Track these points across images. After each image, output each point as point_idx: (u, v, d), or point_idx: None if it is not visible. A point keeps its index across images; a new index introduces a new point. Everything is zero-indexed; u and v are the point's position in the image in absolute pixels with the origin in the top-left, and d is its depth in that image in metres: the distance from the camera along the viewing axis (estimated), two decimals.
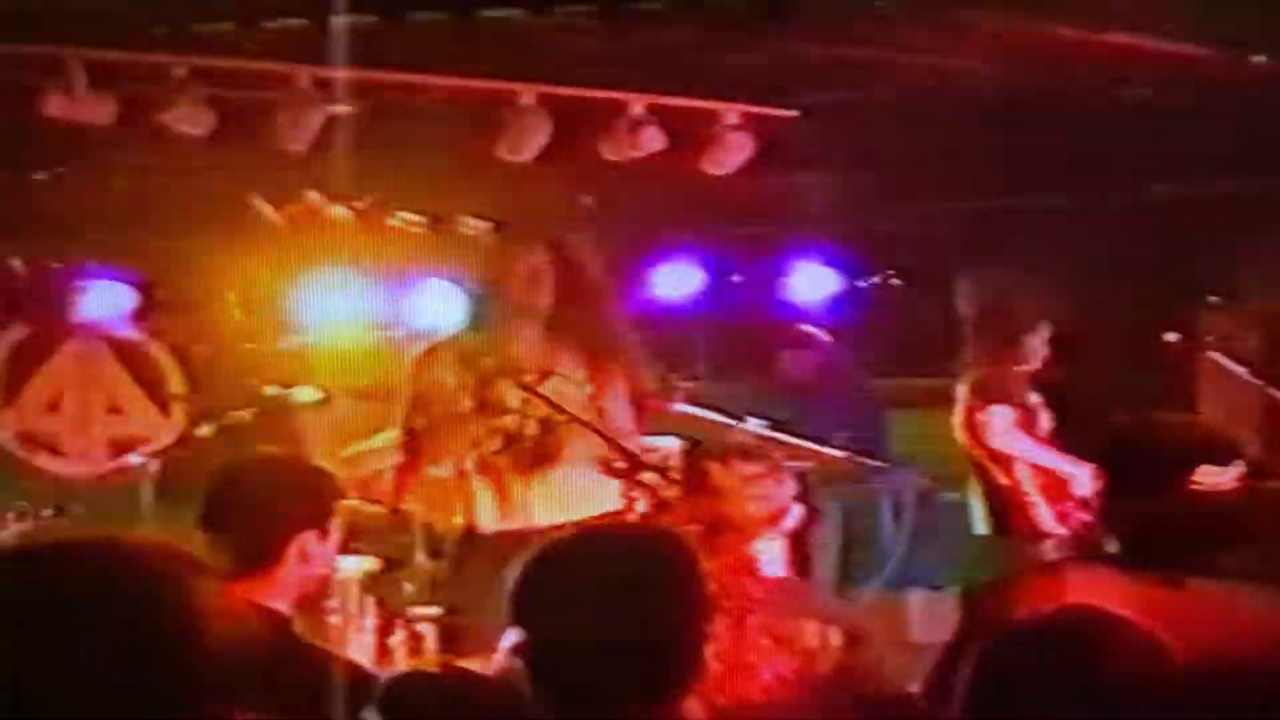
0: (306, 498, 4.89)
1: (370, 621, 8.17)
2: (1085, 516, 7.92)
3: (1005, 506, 9.15)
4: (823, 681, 6.23)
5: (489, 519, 8.07)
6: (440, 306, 9.34)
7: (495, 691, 3.79)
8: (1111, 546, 4.60)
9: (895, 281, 11.03)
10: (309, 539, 4.78)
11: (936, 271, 10.83)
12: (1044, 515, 8.94)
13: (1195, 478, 4.43)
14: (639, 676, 3.53)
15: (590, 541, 3.93)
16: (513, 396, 8.09)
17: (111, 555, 2.59)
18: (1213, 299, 9.94)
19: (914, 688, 6.04)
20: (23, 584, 2.50)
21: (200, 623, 2.56)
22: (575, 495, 8.14)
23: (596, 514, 7.99)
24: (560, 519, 7.95)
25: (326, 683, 4.20)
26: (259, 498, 4.81)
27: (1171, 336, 9.39)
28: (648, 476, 8.13)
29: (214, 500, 4.91)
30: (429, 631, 8.04)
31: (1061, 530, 8.92)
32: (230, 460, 5.13)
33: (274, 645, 4.56)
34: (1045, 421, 9.38)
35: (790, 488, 7.73)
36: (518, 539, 7.85)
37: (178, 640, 2.51)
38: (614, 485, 8.03)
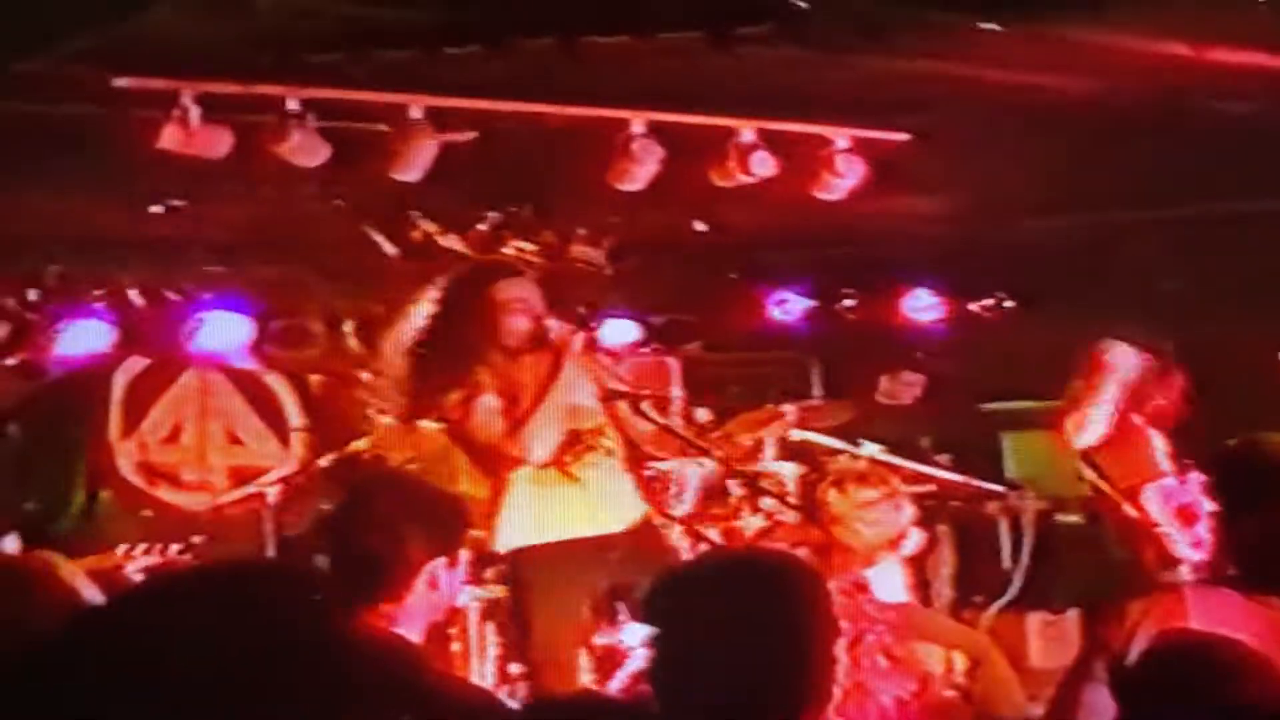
0: (436, 525, 4.87)
1: (492, 649, 8.18)
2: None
3: (1132, 534, 9.05)
4: (945, 705, 6.21)
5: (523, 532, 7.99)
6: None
7: (629, 713, 3.80)
8: (1232, 569, 4.57)
9: (1008, 303, 11.01)
10: (438, 566, 4.78)
11: (1048, 291, 10.79)
12: (1176, 541, 8.84)
13: None
14: (766, 700, 3.53)
15: (721, 565, 3.94)
16: (634, 418, 8.04)
17: (261, 581, 2.60)
18: None
19: (1035, 711, 6.01)
20: (177, 612, 2.51)
21: (351, 651, 2.56)
22: (625, 506, 8.08)
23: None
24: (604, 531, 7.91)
25: (458, 712, 4.21)
26: (388, 524, 4.80)
27: None
28: (765, 502, 8.13)
29: (341, 526, 4.91)
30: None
31: (1196, 555, 8.81)
32: (358, 485, 5.12)
33: (406, 675, 4.56)
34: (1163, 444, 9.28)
35: (908, 512, 7.72)
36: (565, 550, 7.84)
37: (331, 669, 2.52)
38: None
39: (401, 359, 8.02)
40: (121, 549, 8.40)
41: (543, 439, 7.75)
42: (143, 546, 8.50)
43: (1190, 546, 8.84)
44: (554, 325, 7.87)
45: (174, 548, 8.49)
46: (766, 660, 3.53)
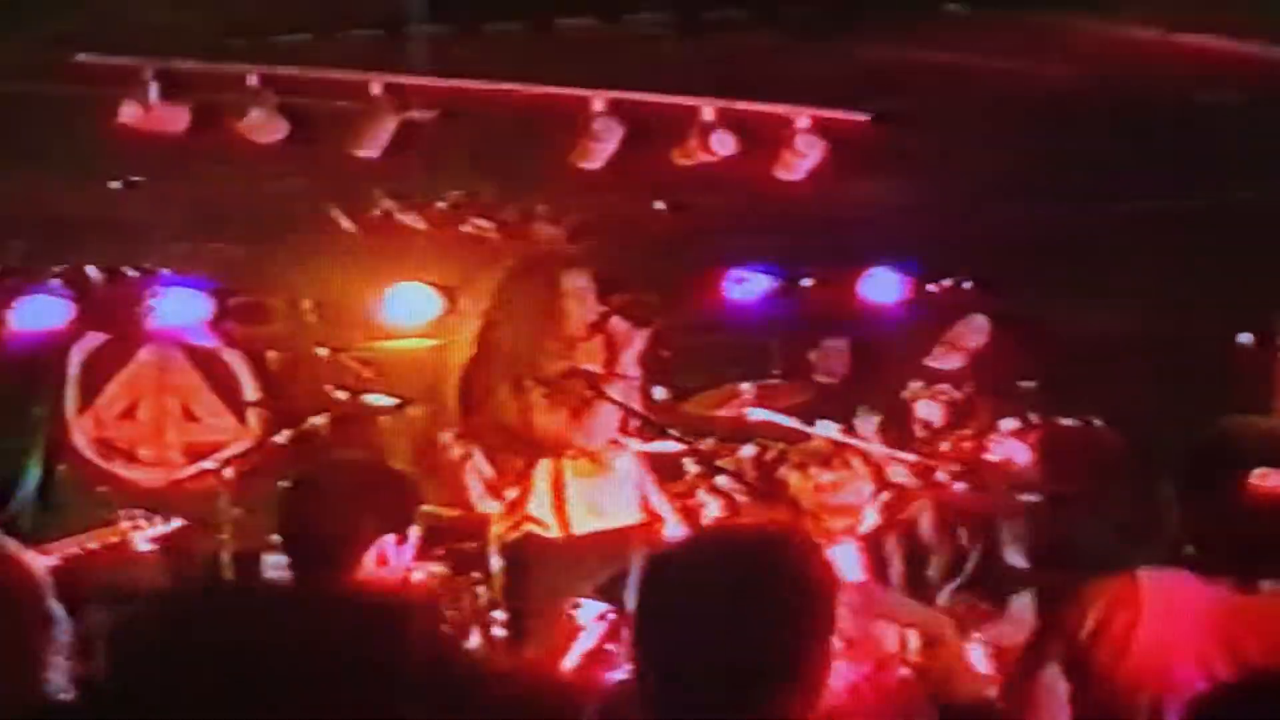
0: (385, 502, 4.89)
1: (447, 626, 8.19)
2: None
3: None
4: (901, 684, 6.23)
5: (559, 522, 8.10)
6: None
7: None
8: (1187, 550, 4.59)
9: (967, 285, 11.03)
10: (387, 543, 4.79)
11: (1009, 276, 10.81)
12: None
13: (1255, 479, 4.41)
14: (762, 683, 3.47)
15: (719, 541, 3.87)
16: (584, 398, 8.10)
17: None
18: None
19: (991, 691, 6.03)
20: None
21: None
22: (631, 500, 8.18)
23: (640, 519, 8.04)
24: (618, 522, 8.01)
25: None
26: (337, 501, 4.82)
27: (1245, 339, 9.35)
28: (721, 481, 8.15)
29: (292, 504, 4.92)
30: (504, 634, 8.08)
31: None
32: (309, 464, 5.13)
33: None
34: None
35: (866, 493, 7.74)
36: (584, 543, 7.93)
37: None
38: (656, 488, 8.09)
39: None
40: (126, 521, 8.34)
41: (603, 426, 7.89)
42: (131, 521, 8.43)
43: None
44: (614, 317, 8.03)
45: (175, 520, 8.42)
46: (764, 641, 3.46)
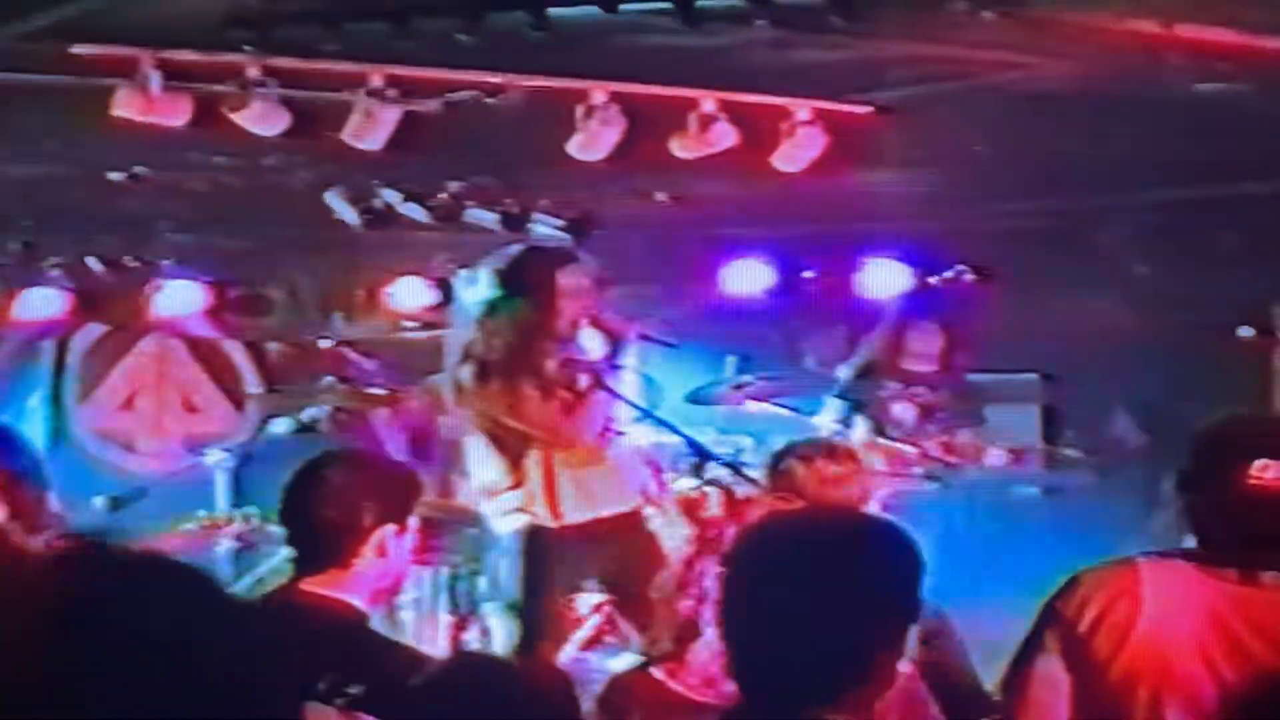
0: (386, 493, 4.90)
1: (444, 617, 8.21)
2: None
3: None
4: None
5: (550, 512, 8.09)
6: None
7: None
8: (1188, 542, 4.58)
9: (969, 278, 11.02)
10: (387, 534, 4.79)
11: (1010, 268, 10.81)
12: None
13: (1255, 472, 4.41)
14: (839, 668, 3.44)
15: (821, 522, 3.83)
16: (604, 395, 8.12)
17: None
18: None
19: (990, 683, 6.02)
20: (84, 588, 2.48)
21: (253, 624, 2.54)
22: (627, 491, 8.19)
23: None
24: (614, 513, 8.03)
25: (401, 678, 4.21)
26: (339, 492, 4.82)
27: (1246, 332, 9.34)
28: (720, 473, 8.15)
29: (294, 494, 4.92)
30: (500, 627, 8.08)
31: None
32: (311, 455, 5.13)
33: (348, 641, 4.58)
34: None
35: (871, 486, 7.73)
36: (582, 532, 7.94)
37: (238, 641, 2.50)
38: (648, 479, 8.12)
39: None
40: (204, 515, 8.32)
41: (596, 418, 7.91)
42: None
43: None
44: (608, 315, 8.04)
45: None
46: (849, 626, 3.42)
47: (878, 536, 3.61)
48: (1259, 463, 4.41)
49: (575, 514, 8.02)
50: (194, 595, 2.49)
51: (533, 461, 8.02)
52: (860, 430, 9.72)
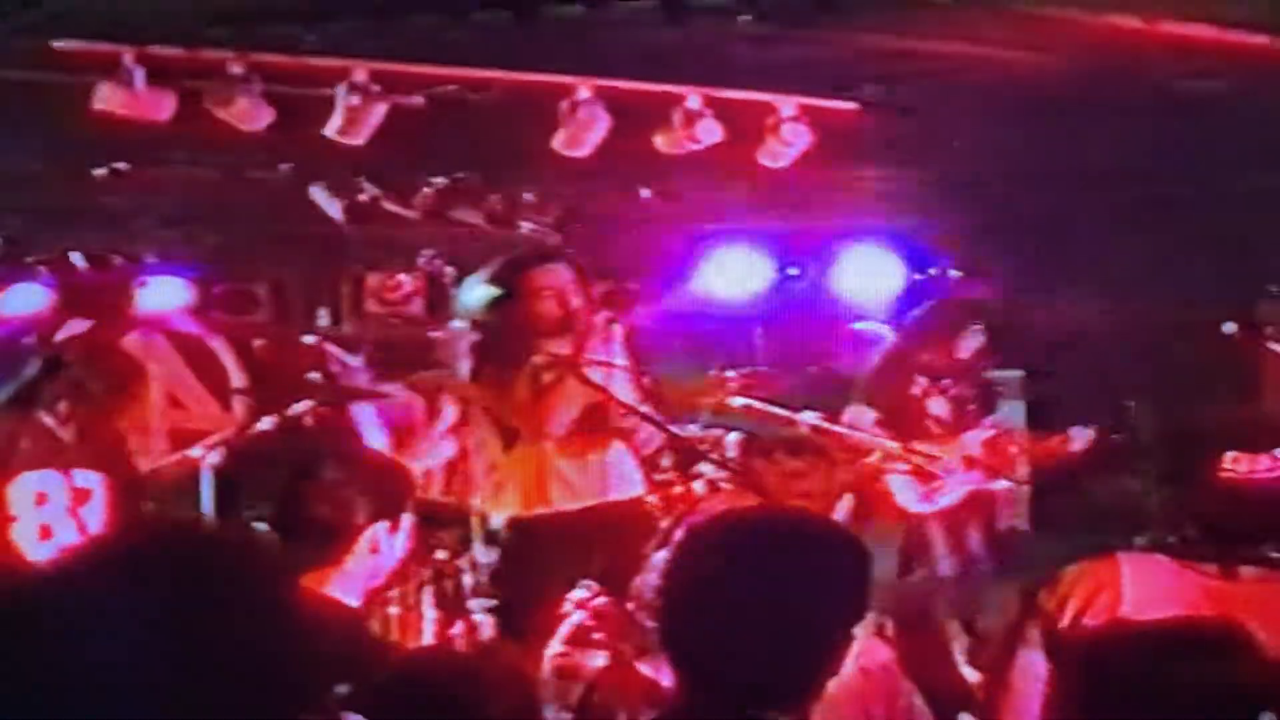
0: (379, 489, 4.90)
1: (430, 613, 8.21)
2: None
3: None
4: (880, 670, 6.22)
5: (539, 507, 8.13)
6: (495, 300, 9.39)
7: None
8: (1169, 536, 4.61)
9: (954, 274, 11.03)
10: (379, 531, 4.79)
11: (995, 264, 10.82)
12: None
13: (1228, 465, 4.43)
14: (786, 669, 3.44)
15: (762, 522, 3.84)
16: (571, 386, 8.16)
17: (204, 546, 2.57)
18: (1275, 290, 9.89)
19: (971, 675, 6.04)
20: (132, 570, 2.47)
21: (294, 615, 2.54)
22: (617, 481, 8.24)
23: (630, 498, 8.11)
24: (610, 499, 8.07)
25: (393, 676, 4.21)
26: (332, 489, 4.82)
27: (1230, 328, 9.35)
28: (702, 466, 8.18)
29: (287, 491, 4.92)
30: (486, 622, 8.09)
31: None
32: (304, 452, 5.14)
33: (342, 639, 4.57)
34: None
35: (841, 480, 7.74)
36: (573, 522, 7.96)
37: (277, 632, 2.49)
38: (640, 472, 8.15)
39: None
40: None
41: (569, 413, 7.97)
42: None
43: None
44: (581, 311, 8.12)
45: None
46: (796, 627, 3.44)
47: (822, 537, 3.62)
48: (1230, 455, 4.44)
49: (565, 504, 8.06)
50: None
51: (523, 452, 8.06)
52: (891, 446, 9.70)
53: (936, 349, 9.86)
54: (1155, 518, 4.75)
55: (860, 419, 9.45)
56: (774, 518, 4.01)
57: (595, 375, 8.14)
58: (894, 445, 9.27)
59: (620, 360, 8.37)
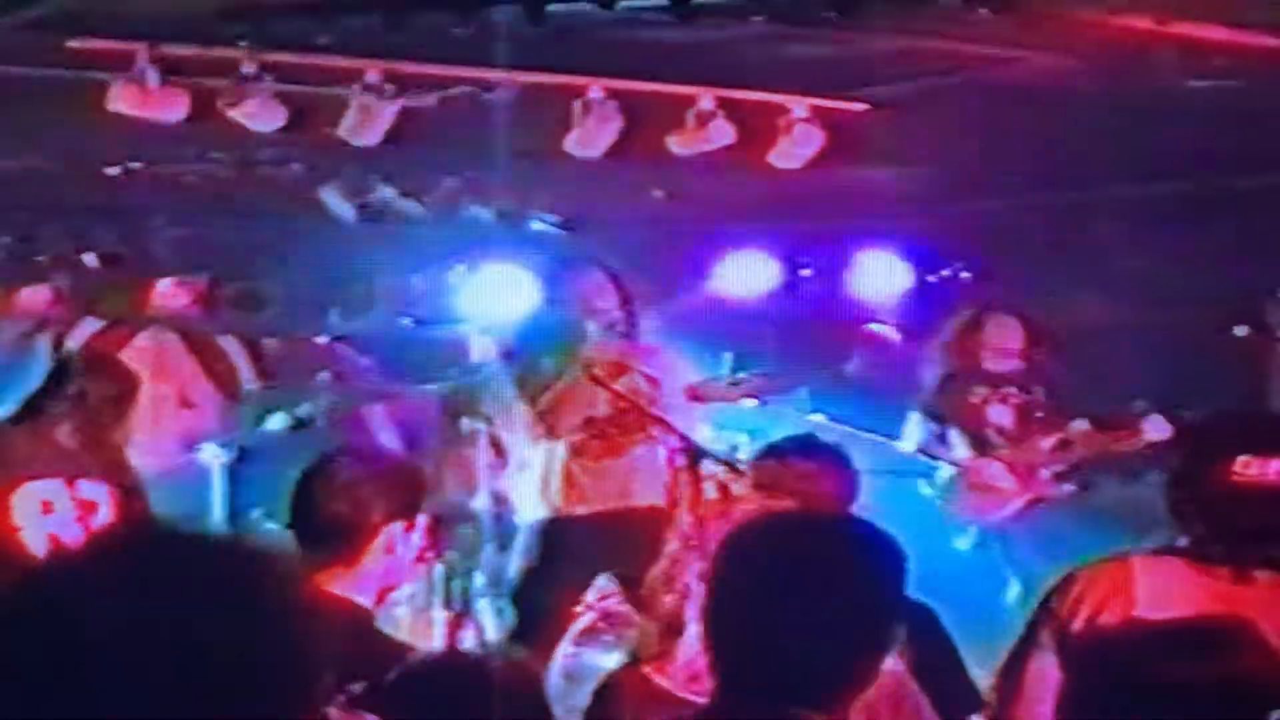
0: (396, 489, 4.89)
1: (440, 613, 8.21)
2: None
3: None
4: (890, 675, 6.21)
5: (553, 508, 8.14)
6: (509, 300, 9.43)
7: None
8: (1180, 539, 4.60)
9: (965, 275, 11.01)
10: (395, 531, 4.78)
11: (1006, 265, 10.80)
12: None
13: (1238, 468, 4.43)
14: (825, 668, 3.45)
15: (805, 524, 3.85)
16: (586, 389, 8.16)
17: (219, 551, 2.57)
18: None
19: (982, 680, 6.03)
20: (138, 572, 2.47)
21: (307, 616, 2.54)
22: (635, 485, 8.22)
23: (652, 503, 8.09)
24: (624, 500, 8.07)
25: (405, 677, 4.21)
26: (349, 487, 4.81)
27: (1241, 330, 9.34)
28: (714, 468, 8.16)
29: (304, 489, 4.92)
30: (496, 623, 8.09)
31: None
32: (313, 451, 5.14)
33: (354, 639, 4.56)
34: None
35: (852, 483, 7.72)
36: (593, 524, 7.96)
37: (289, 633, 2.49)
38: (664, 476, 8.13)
39: None
40: None
41: (565, 416, 7.98)
42: None
43: None
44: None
45: None
46: (833, 626, 3.43)
47: (863, 537, 3.62)
48: (1242, 458, 4.43)
49: (576, 508, 8.06)
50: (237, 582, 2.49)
51: (547, 452, 8.07)
52: (960, 448, 9.66)
53: (980, 351, 9.79)
54: (1167, 520, 4.73)
55: (921, 431, 9.43)
56: (814, 519, 4.02)
57: (626, 380, 8.16)
58: (906, 448, 9.28)
59: (641, 365, 8.38)
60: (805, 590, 3.43)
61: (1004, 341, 9.82)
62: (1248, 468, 4.43)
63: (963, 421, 9.63)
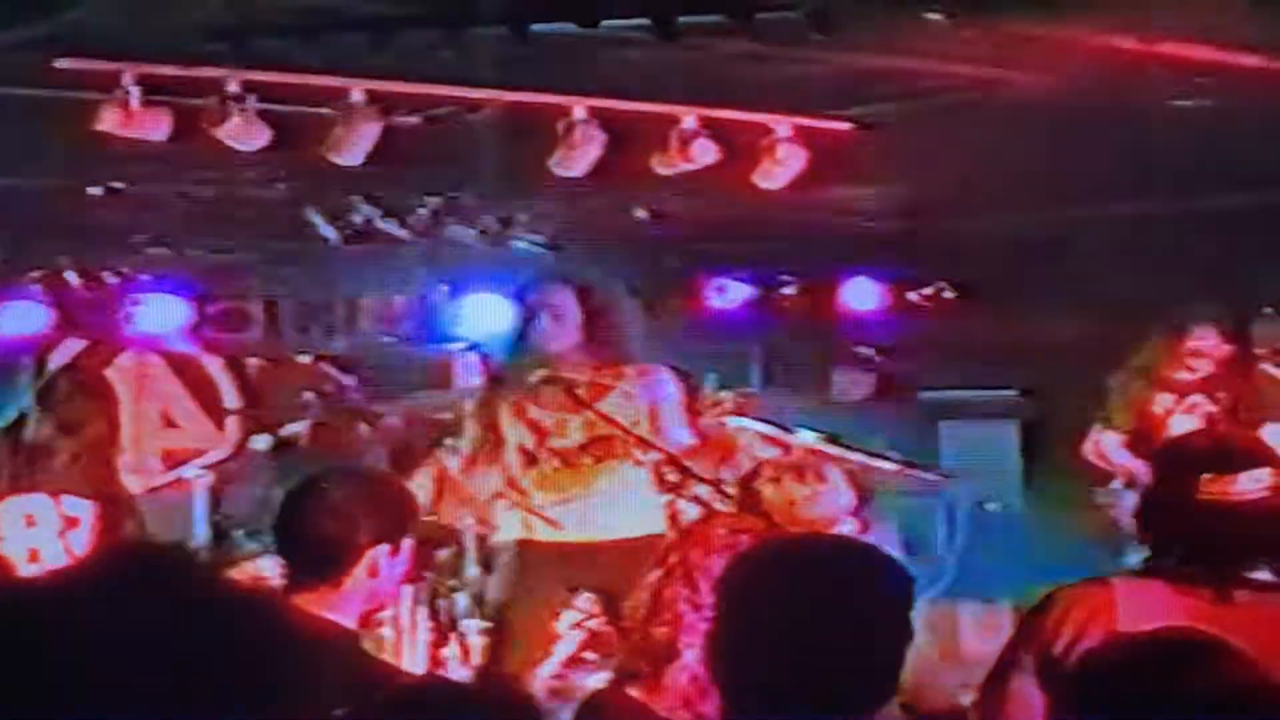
0: (384, 510, 4.86)
1: (424, 634, 8.20)
2: None
3: None
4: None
5: (538, 531, 8.12)
6: (491, 321, 9.42)
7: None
8: (1162, 559, 4.60)
9: (948, 294, 11.02)
10: (380, 554, 4.76)
11: (989, 283, 10.81)
12: None
13: (1204, 485, 4.44)
14: (831, 693, 3.44)
15: (807, 547, 3.84)
16: (567, 410, 8.14)
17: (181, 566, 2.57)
18: (1267, 311, 9.88)
19: (965, 699, 6.03)
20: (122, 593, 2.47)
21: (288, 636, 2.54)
22: (621, 508, 8.19)
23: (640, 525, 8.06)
24: (605, 532, 8.04)
25: (389, 699, 4.19)
26: (338, 507, 4.78)
27: None
28: (699, 489, 8.15)
29: (292, 508, 4.90)
30: (479, 644, 8.08)
31: None
32: (309, 472, 5.11)
33: (339, 661, 4.54)
34: None
35: (843, 502, 7.73)
36: (568, 551, 7.95)
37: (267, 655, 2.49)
38: (656, 497, 8.11)
39: None
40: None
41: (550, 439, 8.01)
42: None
43: None
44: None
45: None
46: (840, 651, 3.43)
47: (870, 563, 3.62)
48: (1206, 476, 4.45)
49: (574, 531, 8.03)
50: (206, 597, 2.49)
51: (533, 475, 8.04)
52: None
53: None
54: (1145, 541, 4.75)
55: (1106, 443, 9.36)
56: (818, 544, 4.01)
57: (609, 400, 8.13)
58: (892, 466, 9.27)
59: (624, 385, 8.36)
60: (812, 615, 3.43)
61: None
62: (1213, 485, 4.45)
63: (1145, 432, 9.41)
